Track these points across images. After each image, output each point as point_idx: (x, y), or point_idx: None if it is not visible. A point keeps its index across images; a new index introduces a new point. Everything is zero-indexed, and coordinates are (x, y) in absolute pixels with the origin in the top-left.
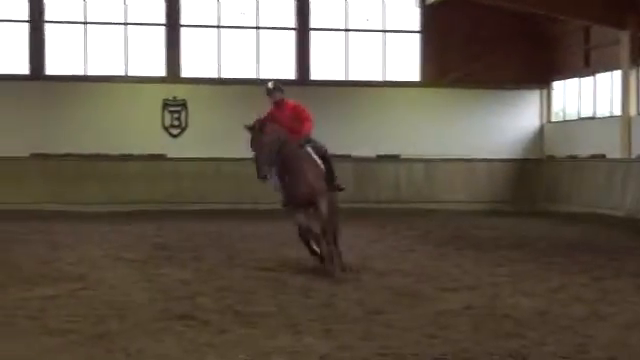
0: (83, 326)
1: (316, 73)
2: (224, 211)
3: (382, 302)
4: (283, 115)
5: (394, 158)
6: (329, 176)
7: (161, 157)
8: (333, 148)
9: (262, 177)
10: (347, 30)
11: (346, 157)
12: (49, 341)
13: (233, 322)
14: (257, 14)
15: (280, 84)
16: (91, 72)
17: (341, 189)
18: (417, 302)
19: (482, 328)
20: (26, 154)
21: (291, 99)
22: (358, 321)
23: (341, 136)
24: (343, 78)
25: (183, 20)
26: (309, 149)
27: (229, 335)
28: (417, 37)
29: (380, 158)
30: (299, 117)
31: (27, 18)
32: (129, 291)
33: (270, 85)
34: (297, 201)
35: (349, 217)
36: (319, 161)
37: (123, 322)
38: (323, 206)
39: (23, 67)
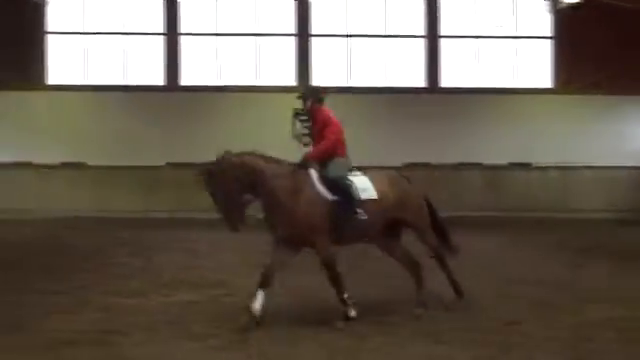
0: (223, 331)
1: (446, 80)
2: None
3: (519, 312)
4: (314, 128)
5: (526, 166)
6: (436, 225)
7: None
8: (464, 156)
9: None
10: (478, 37)
11: (477, 165)
12: (190, 345)
13: (371, 329)
14: (385, 21)
15: (316, 89)
16: (224, 82)
17: (454, 251)
18: (555, 312)
19: (629, 341)
20: (162, 163)
21: (329, 108)
22: (495, 331)
23: (472, 144)
24: (475, 85)
25: (313, 30)
26: (312, 176)
27: (367, 342)
28: (549, 43)
29: (512, 166)
30: (323, 132)
31: (163, 31)
32: (268, 297)
33: (301, 91)
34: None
35: (479, 226)
36: (323, 192)
37: (262, 327)
38: (323, 251)
39: (159, 78)
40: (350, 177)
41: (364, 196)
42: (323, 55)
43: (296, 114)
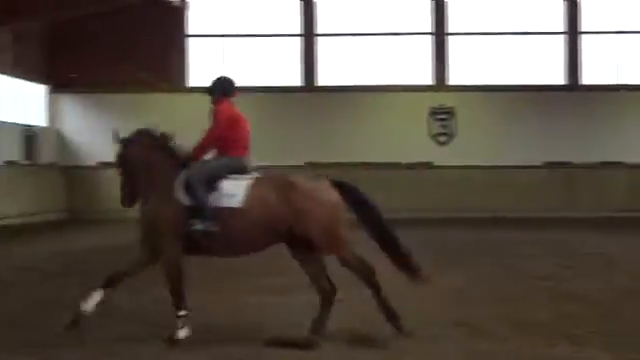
0: (363, 329)
1: (587, 78)
2: (493, 219)
3: None
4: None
5: None
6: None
7: (428, 165)
8: (601, 155)
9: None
10: (580, 33)
11: (617, 164)
12: (331, 343)
13: (510, 330)
14: (526, 19)
15: (223, 83)
16: (360, 82)
17: (417, 276)
18: None
19: None
20: (301, 163)
21: (231, 103)
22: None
23: (614, 142)
24: (616, 82)
25: (451, 28)
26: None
27: (508, 344)
28: None
29: None
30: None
31: (300, 32)
32: (406, 297)
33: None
34: None
35: (622, 226)
36: (178, 194)
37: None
38: (164, 260)
39: (295, 79)
40: (227, 180)
41: (225, 203)
42: (461, 53)
43: (432, 113)
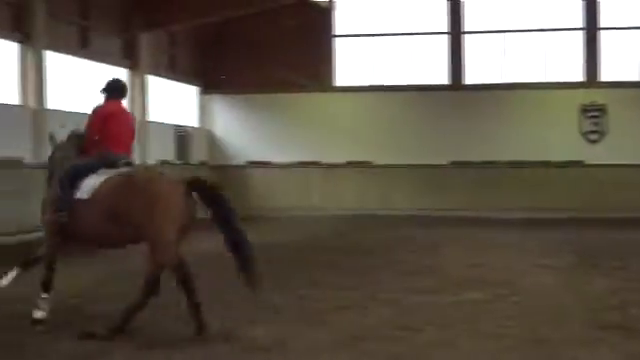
0: (517, 331)
1: None
2: None
3: None
4: None
5: None
6: None
7: (579, 163)
8: None
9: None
10: None
11: None
12: (484, 344)
13: None
14: None
15: (113, 84)
16: (507, 80)
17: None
18: None
19: None
20: (445, 162)
21: (110, 103)
22: None
23: None
24: None
25: (602, 23)
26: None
27: None
28: None
29: None
30: None
31: (447, 30)
32: (557, 299)
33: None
34: None
35: None
36: (52, 187)
37: (556, 330)
38: (44, 247)
39: (442, 77)
40: (94, 175)
41: (77, 195)
42: (612, 48)
43: (584, 110)
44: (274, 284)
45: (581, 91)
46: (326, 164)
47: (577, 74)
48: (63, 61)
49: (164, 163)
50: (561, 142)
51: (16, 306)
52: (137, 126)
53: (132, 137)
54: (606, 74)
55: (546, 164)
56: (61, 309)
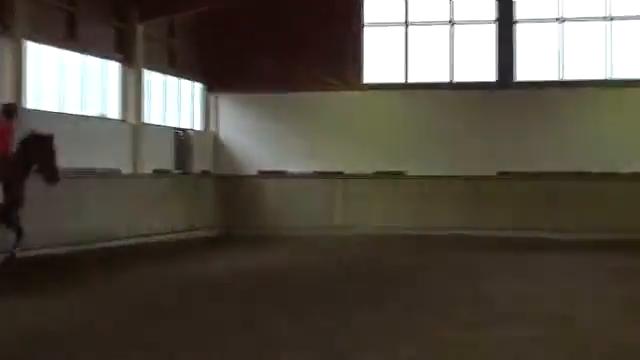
0: None
1: None
2: None
3: None
4: None
5: None
6: None
7: None
8: None
9: None
10: None
11: None
12: None
13: None
14: None
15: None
16: (565, 77)
17: None
18: None
19: None
20: (492, 172)
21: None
22: None
23: None
24: None
25: None
26: None
27: None
28: None
29: None
30: None
31: (495, 17)
32: (624, 336)
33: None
34: None
35: None
36: None
37: None
38: None
39: (490, 74)
40: None
41: None
42: None
43: None
44: (289, 314)
45: None
46: (351, 175)
47: None
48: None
49: (159, 172)
50: (631, 150)
51: None
52: (130, 129)
53: None
54: None
55: (614, 176)
56: None
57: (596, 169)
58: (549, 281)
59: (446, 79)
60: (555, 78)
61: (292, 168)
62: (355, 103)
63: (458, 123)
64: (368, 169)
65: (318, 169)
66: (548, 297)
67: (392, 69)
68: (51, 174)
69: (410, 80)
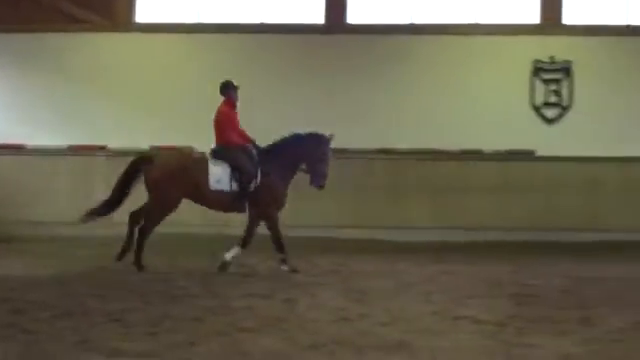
0: None
1: None
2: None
3: None
4: None
5: None
6: None
7: (528, 155)
8: None
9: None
10: None
11: None
12: None
13: None
14: None
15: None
16: (411, 20)
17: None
18: None
19: None
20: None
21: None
22: None
23: None
24: None
25: None
26: None
27: None
28: None
29: None
30: None
31: None
32: None
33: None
34: None
35: None
36: None
37: None
38: None
39: (318, 15)
40: None
41: None
42: None
43: (536, 70)
44: None
45: (535, 39)
46: (113, 151)
47: (530, 14)
48: None
49: None
50: (501, 121)
51: None
52: None
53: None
54: (569, 15)
55: (470, 156)
56: None
57: (444, 146)
58: (381, 295)
59: (258, 20)
60: (397, 21)
61: (37, 140)
62: (126, 49)
63: (271, 77)
64: (135, 143)
65: (73, 142)
66: (379, 318)
67: (176, 4)
68: None
69: (202, 20)
